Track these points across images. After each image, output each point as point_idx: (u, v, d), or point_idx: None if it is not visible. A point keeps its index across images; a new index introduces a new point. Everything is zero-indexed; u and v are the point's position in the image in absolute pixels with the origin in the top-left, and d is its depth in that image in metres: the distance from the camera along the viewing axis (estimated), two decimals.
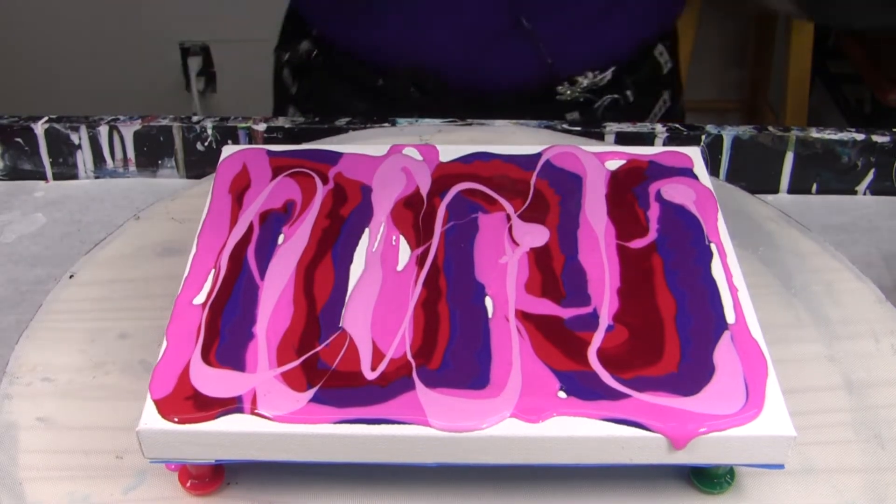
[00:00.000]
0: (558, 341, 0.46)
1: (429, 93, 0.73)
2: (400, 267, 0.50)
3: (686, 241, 0.52)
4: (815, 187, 0.71)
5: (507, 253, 0.51)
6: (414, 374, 0.44)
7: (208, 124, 0.70)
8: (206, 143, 0.71)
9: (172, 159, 0.71)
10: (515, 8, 0.69)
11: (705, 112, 1.92)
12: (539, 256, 0.51)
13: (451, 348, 0.46)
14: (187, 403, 0.43)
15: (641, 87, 0.78)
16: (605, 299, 0.48)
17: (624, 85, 0.77)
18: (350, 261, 0.51)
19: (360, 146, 0.59)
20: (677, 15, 0.80)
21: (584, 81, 0.75)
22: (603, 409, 0.43)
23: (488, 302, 0.48)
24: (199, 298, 0.49)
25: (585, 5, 0.71)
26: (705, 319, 0.47)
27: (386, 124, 0.70)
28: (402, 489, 0.47)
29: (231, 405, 0.43)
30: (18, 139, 0.71)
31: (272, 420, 0.43)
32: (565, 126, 0.70)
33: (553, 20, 0.70)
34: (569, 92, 0.74)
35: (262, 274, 0.50)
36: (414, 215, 0.54)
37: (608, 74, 0.75)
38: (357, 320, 0.47)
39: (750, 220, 0.63)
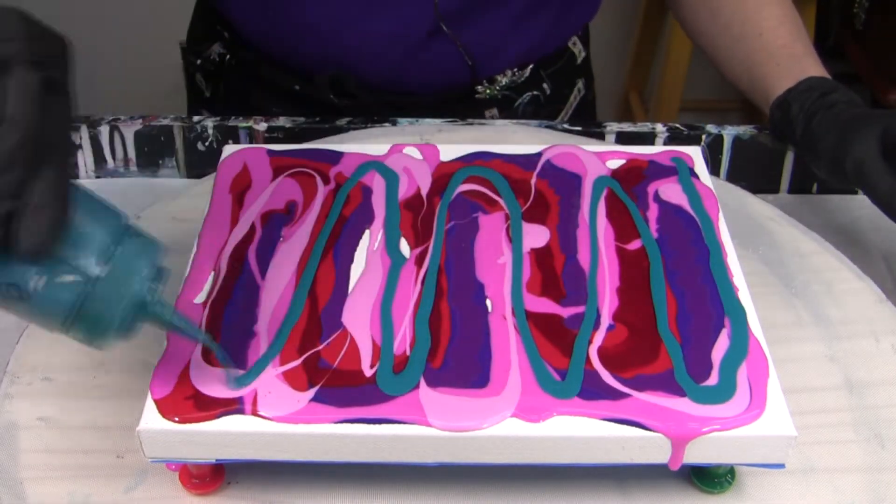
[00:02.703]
0: (558, 340, 0.46)
1: (348, 97, 0.73)
2: (401, 266, 0.50)
3: (686, 240, 0.52)
4: (815, 187, 0.70)
5: (504, 253, 0.51)
6: (417, 374, 0.44)
7: (209, 124, 0.70)
8: (206, 143, 0.71)
9: (173, 159, 0.71)
10: (438, 14, 0.69)
11: (705, 112, 1.92)
12: (539, 256, 0.51)
13: (453, 347, 0.46)
14: (188, 403, 0.43)
15: (557, 79, 0.79)
16: (606, 298, 0.48)
17: (541, 79, 0.78)
18: (351, 260, 0.51)
19: (361, 145, 0.59)
20: (596, 10, 0.80)
21: (504, 80, 0.75)
22: (604, 408, 0.43)
23: (488, 302, 0.48)
24: (200, 298, 0.49)
25: (508, 8, 0.71)
26: (705, 319, 0.47)
27: (387, 124, 0.70)
28: (402, 489, 0.47)
29: (232, 406, 0.43)
30: None
31: (273, 420, 0.43)
32: (566, 126, 0.70)
33: (476, 25, 0.71)
34: (488, 91, 0.75)
35: (263, 273, 0.50)
36: (414, 215, 0.54)
37: (527, 72, 0.76)
38: (358, 319, 0.47)
39: (750, 219, 0.63)
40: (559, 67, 0.79)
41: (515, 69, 0.76)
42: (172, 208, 0.64)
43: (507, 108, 0.77)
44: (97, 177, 0.72)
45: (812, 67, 0.65)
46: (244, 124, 0.70)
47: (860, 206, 0.69)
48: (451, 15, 0.70)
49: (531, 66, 0.76)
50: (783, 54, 0.66)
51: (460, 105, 0.75)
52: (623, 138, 0.70)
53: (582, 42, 0.81)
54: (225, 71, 0.79)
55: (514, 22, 0.73)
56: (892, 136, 0.56)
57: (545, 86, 0.78)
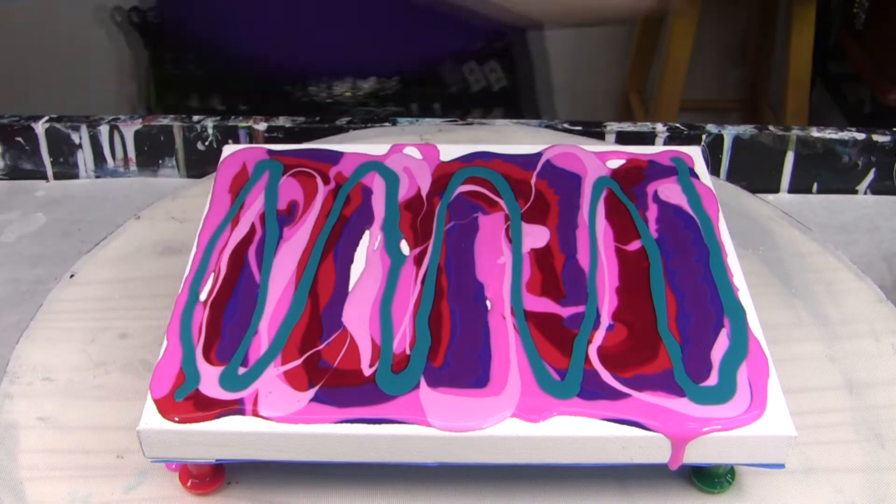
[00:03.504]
0: (558, 340, 0.46)
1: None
2: (400, 266, 0.50)
3: (686, 240, 0.52)
4: (815, 187, 0.71)
5: (504, 253, 0.51)
6: (417, 374, 0.44)
7: (209, 124, 0.70)
8: (206, 143, 0.71)
9: (173, 159, 0.71)
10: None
11: (705, 112, 1.92)
12: (539, 256, 0.51)
13: (453, 347, 0.46)
14: (188, 403, 0.43)
15: (441, 101, 0.79)
16: (605, 298, 0.48)
17: (410, 97, 0.78)
18: (351, 260, 0.51)
19: (361, 145, 0.59)
20: (474, 42, 0.80)
21: (365, 86, 0.76)
22: (604, 408, 0.43)
23: (488, 302, 0.48)
24: (200, 297, 0.49)
25: (380, 16, 0.71)
26: (705, 319, 0.47)
27: (387, 124, 0.71)
28: (402, 489, 0.47)
29: (233, 407, 0.43)
30: (19, 139, 0.71)
31: (273, 420, 0.43)
32: (566, 125, 0.70)
33: (342, 26, 0.72)
34: (349, 93, 0.76)
35: (263, 273, 0.50)
36: (414, 215, 0.54)
37: (394, 83, 0.76)
38: (358, 319, 0.47)
39: (750, 219, 0.63)
40: (454, 92, 0.79)
41: (376, 77, 0.76)
42: (172, 208, 0.64)
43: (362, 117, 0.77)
44: (97, 177, 0.72)
45: None
46: (244, 124, 0.70)
47: (860, 206, 0.69)
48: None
49: (397, 79, 0.76)
50: None
51: (319, 107, 0.75)
52: (623, 138, 0.70)
53: (504, 69, 0.80)
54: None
55: (382, 30, 0.73)
56: None
57: (415, 106, 0.78)
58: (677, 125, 0.70)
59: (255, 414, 0.43)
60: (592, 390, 0.44)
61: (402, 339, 0.46)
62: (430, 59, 0.78)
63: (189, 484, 0.46)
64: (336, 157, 0.58)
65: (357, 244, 0.52)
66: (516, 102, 0.83)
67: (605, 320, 0.47)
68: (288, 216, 0.54)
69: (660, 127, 0.70)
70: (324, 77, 0.75)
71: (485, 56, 0.80)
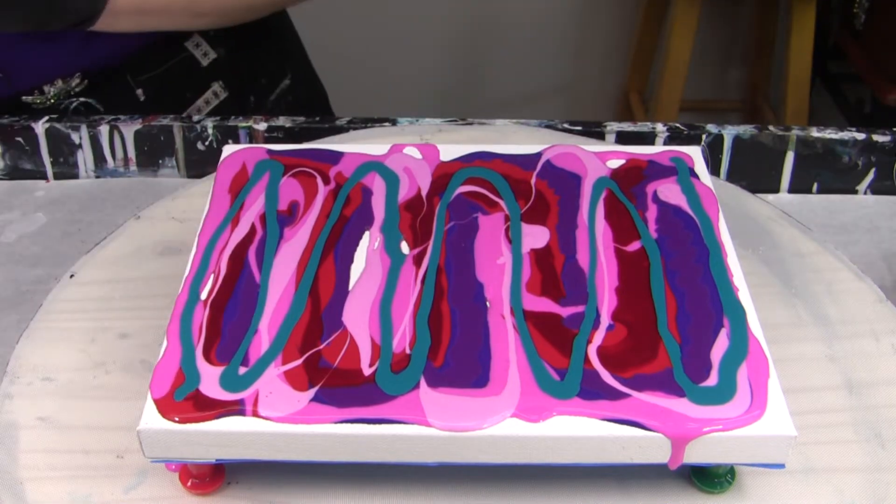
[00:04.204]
0: (557, 340, 0.46)
1: None
2: (400, 266, 0.50)
3: (686, 240, 0.52)
4: (815, 187, 0.71)
5: (504, 254, 0.51)
6: (417, 373, 0.44)
7: (209, 124, 0.70)
8: (206, 143, 0.71)
9: (173, 159, 0.71)
10: None
11: (705, 112, 1.92)
12: (539, 256, 0.51)
13: (453, 347, 0.46)
14: (188, 403, 0.43)
15: (164, 83, 0.80)
16: (605, 298, 0.48)
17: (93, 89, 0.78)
18: (351, 260, 0.51)
19: (361, 145, 0.59)
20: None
21: (52, 90, 0.76)
22: (604, 408, 0.43)
23: (488, 302, 0.48)
24: (201, 297, 0.49)
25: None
26: (705, 318, 0.47)
27: (387, 124, 0.71)
28: (402, 489, 0.47)
29: (233, 407, 0.43)
30: (19, 139, 0.71)
31: (273, 420, 0.43)
32: (566, 125, 0.70)
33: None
34: (38, 101, 0.76)
35: (264, 273, 0.50)
36: (414, 215, 0.54)
37: (77, 80, 0.76)
38: (358, 318, 0.47)
39: (750, 219, 0.63)
40: (161, 72, 0.79)
41: (63, 79, 0.76)
42: (172, 208, 0.64)
43: (62, 112, 0.77)
44: (97, 176, 0.72)
45: None
46: (244, 124, 0.70)
47: (860, 206, 0.69)
48: None
49: (80, 75, 0.77)
50: None
51: (11, 113, 0.74)
52: (623, 138, 0.70)
53: (209, 44, 0.82)
54: None
55: (36, 36, 0.73)
56: None
57: (139, 92, 0.79)
58: (677, 125, 0.70)
59: (256, 414, 0.43)
60: (592, 390, 0.44)
61: (401, 338, 0.46)
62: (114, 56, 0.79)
63: (189, 484, 0.46)
64: (336, 157, 0.58)
65: (357, 244, 0.52)
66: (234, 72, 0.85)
67: (605, 320, 0.47)
68: (288, 216, 0.54)
69: (660, 127, 0.70)
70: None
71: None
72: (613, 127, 0.70)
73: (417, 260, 0.51)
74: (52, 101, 0.76)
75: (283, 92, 0.90)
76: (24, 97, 0.76)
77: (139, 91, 0.79)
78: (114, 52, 0.77)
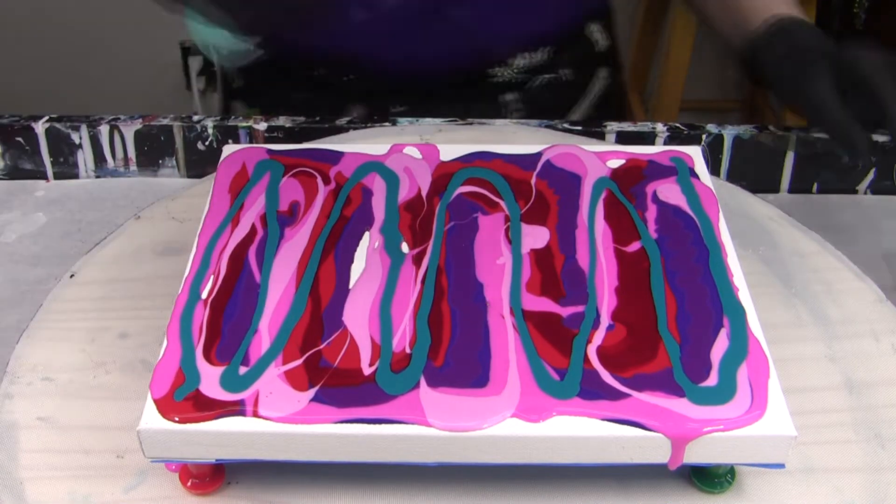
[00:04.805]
0: (557, 340, 0.46)
1: (366, 79, 0.73)
2: (400, 266, 0.50)
3: (685, 240, 0.52)
4: (815, 187, 0.71)
5: (504, 254, 0.51)
6: (417, 373, 0.44)
7: (209, 124, 0.70)
8: (206, 143, 0.71)
9: (173, 159, 0.71)
10: None
11: (705, 112, 1.92)
12: (539, 256, 0.51)
13: (453, 347, 0.46)
14: (188, 403, 0.43)
15: (575, 65, 0.80)
16: (605, 298, 0.48)
17: (559, 64, 0.78)
18: (351, 260, 0.51)
19: (361, 145, 0.59)
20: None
21: (519, 63, 0.75)
22: (604, 409, 0.43)
23: (488, 301, 0.48)
24: (201, 297, 0.49)
25: None
26: (705, 318, 0.47)
27: (387, 124, 0.70)
28: (402, 489, 0.47)
29: (233, 408, 0.43)
30: (19, 138, 0.71)
31: (273, 420, 0.43)
32: (566, 125, 0.70)
33: (477, 4, 0.71)
34: (504, 73, 0.75)
35: (264, 273, 0.50)
36: (414, 215, 0.54)
37: (540, 54, 0.76)
38: (358, 318, 0.47)
39: (750, 219, 0.63)
40: (578, 54, 0.79)
41: (529, 52, 0.75)
42: (172, 208, 0.64)
43: (523, 91, 0.77)
44: (97, 176, 0.72)
45: (784, 6, 0.67)
46: (244, 124, 0.70)
47: (860, 205, 0.69)
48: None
49: (547, 49, 0.76)
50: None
51: (474, 90, 0.74)
52: (623, 138, 0.70)
53: (607, 31, 0.81)
54: (255, 61, 0.79)
55: (512, 3, 0.73)
56: (846, 70, 0.59)
57: (564, 71, 0.78)
58: (677, 125, 0.70)
59: (256, 415, 0.43)
60: (592, 390, 0.44)
61: (401, 338, 0.46)
62: (572, 21, 0.79)
63: (189, 484, 0.46)
64: (336, 157, 0.58)
65: (357, 244, 0.52)
66: (616, 61, 0.85)
67: (605, 320, 0.47)
68: (289, 217, 0.54)
69: (660, 127, 0.70)
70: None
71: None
72: (613, 127, 0.70)
73: (417, 260, 0.51)
74: (514, 76, 0.76)
75: None
76: (489, 70, 0.75)
77: (562, 71, 0.78)
78: None
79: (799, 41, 0.63)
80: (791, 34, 0.64)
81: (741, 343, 0.46)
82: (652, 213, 0.54)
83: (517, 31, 0.74)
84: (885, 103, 0.56)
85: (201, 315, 0.48)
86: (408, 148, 0.58)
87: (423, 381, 0.44)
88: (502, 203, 0.54)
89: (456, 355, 0.45)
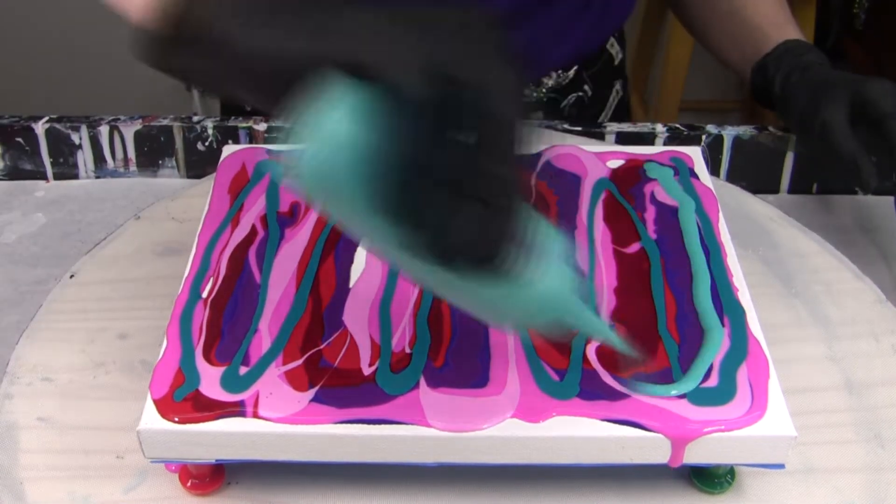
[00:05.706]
0: (557, 340, 0.46)
1: None
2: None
3: (685, 240, 0.52)
4: (815, 187, 0.70)
5: None
6: (417, 373, 0.44)
7: (209, 124, 0.70)
8: (206, 143, 0.71)
9: (173, 159, 0.71)
10: None
11: (705, 112, 1.92)
12: None
13: (453, 347, 0.46)
14: (187, 403, 0.43)
15: (597, 80, 0.80)
16: (605, 298, 0.48)
17: (582, 81, 0.78)
18: (351, 260, 0.51)
19: None
20: (633, 9, 0.80)
21: (549, 82, 0.76)
22: (604, 409, 0.43)
23: None
24: (202, 296, 0.49)
25: (555, 10, 0.71)
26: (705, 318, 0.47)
27: None
28: (402, 489, 0.47)
29: (233, 409, 0.43)
30: (19, 139, 0.70)
31: (273, 421, 0.43)
32: (566, 126, 0.70)
33: (524, 28, 0.71)
34: (535, 94, 0.75)
35: (264, 273, 0.50)
36: None
37: (571, 74, 0.76)
38: (358, 318, 0.47)
39: (750, 219, 0.63)
40: (599, 68, 0.79)
41: (560, 71, 0.76)
42: (172, 209, 0.64)
43: (553, 110, 0.77)
44: (97, 177, 0.72)
45: (791, 32, 0.68)
46: (244, 124, 0.70)
47: (860, 206, 0.69)
48: (500, 18, 0.70)
49: (575, 68, 0.76)
50: (766, 23, 0.69)
51: None
52: (623, 138, 0.70)
53: (619, 43, 0.81)
54: None
55: (561, 24, 0.73)
56: (860, 100, 0.59)
57: (587, 87, 0.78)
58: (677, 125, 0.70)
59: (256, 415, 0.43)
60: (591, 391, 0.44)
61: (401, 338, 0.46)
62: (603, 38, 0.79)
63: (189, 484, 0.46)
64: None
65: (357, 245, 0.52)
66: (626, 74, 0.85)
67: (605, 320, 0.47)
68: (289, 217, 0.54)
69: (660, 127, 0.70)
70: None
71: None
72: (613, 127, 0.70)
73: None
74: (544, 95, 0.76)
75: None
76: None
77: (586, 87, 0.79)
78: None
79: (814, 67, 0.64)
80: (803, 59, 0.65)
81: (741, 344, 0.46)
82: (651, 213, 0.54)
83: (562, 51, 0.74)
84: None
85: (201, 315, 0.48)
86: None
87: (422, 382, 0.44)
88: None
89: (456, 356, 0.45)
